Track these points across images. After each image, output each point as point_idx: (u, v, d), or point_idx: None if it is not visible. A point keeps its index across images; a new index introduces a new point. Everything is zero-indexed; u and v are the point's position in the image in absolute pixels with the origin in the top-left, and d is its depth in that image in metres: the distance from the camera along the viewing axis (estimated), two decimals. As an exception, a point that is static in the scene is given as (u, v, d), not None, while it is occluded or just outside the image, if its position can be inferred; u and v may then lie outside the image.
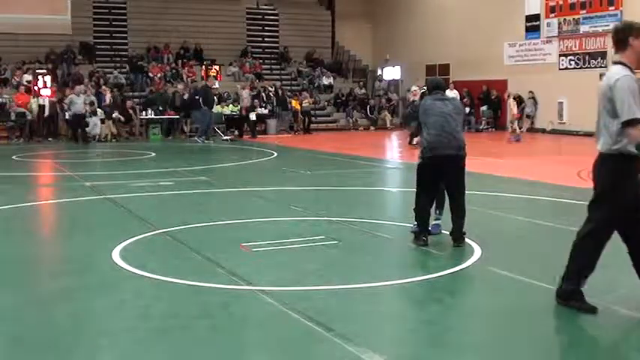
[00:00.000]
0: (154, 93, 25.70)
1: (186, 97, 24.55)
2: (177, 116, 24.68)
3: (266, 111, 26.35)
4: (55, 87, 24.08)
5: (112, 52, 29.63)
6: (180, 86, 25.85)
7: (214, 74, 26.32)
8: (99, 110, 23.04)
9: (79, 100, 22.19)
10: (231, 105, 25.28)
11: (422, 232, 7.58)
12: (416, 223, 7.65)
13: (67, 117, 22.74)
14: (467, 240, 7.53)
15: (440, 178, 7.57)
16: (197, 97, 23.26)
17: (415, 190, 7.76)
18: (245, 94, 24.10)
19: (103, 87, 24.69)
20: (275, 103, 26.97)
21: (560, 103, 24.74)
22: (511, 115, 22.58)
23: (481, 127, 26.80)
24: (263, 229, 8.61)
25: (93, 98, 23.27)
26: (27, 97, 23.01)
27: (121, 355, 4.71)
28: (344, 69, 33.23)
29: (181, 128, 24.87)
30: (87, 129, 22.46)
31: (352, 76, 32.64)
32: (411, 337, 5.10)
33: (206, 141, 22.37)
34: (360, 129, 28.41)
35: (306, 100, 26.94)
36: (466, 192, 7.87)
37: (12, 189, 12.37)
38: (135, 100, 25.50)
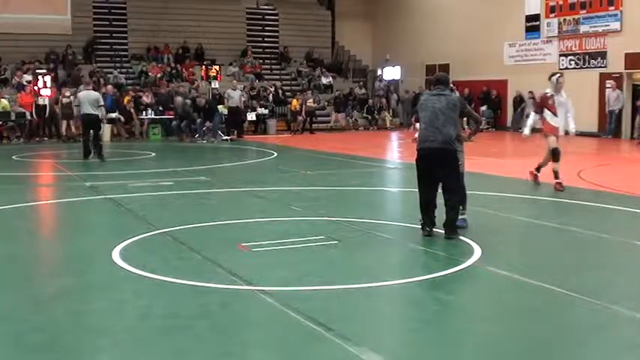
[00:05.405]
0: (160, 94, 25.64)
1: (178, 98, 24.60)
2: (173, 117, 24.62)
3: (266, 111, 26.28)
4: (55, 87, 24.05)
5: (112, 52, 29.65)
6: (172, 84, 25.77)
7: (214, 74, 26.31)
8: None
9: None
10: (221, 106, 24.89)
11: (425, 223, 7.89)
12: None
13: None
14: (467, 240, 7.55)
15: (430, 171, 7.83)
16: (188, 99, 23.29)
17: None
18: (234, 94, 23.83)
19: (109, 87, 24.54)
20: (275, 104, 26.89)
21: (560, 103, 24.72)
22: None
23: (481, 127, 26.80)
24: (263, 229, 8.60)
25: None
26: (30, 98, 22.97)
27: (121, 355, 4.71)
28: (344, 69, 33.21)
29: (180, 128, 24.78)
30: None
31: (352, 76, 32.62)
32: (411, 337, 5.10)
33: (202, 140, 22.43)
34: (360, 129, 28.41)
35: (310, 100, 26.72)
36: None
37: (12, 189, 12.37)
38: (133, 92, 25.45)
